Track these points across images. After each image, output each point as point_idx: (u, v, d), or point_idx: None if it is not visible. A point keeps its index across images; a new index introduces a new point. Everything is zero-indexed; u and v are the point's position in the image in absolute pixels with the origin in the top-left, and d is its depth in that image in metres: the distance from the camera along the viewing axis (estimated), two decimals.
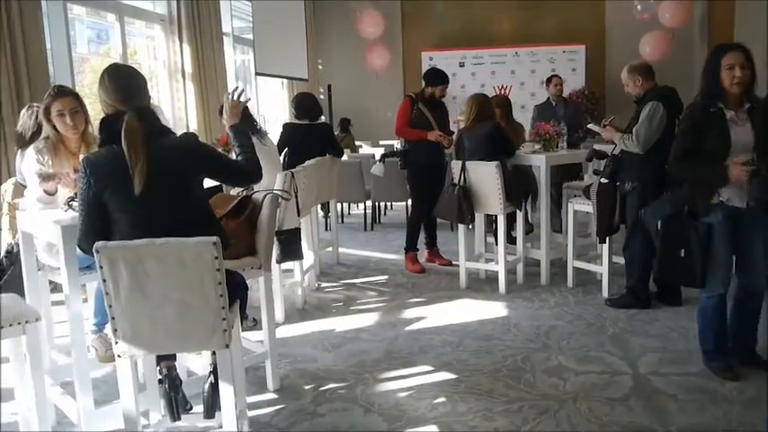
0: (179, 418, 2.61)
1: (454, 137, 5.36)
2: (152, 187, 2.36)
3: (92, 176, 2.37)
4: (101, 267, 2.19)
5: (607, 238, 4.36)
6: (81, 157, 3.02)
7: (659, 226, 3.21)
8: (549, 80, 6.89)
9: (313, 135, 5.39)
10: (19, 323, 2.40)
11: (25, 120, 3.67)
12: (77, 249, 2.58)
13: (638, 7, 10.16)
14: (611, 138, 4.26)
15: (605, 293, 4.56)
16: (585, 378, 3.29)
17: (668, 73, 8.74)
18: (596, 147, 4.76)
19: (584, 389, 3.17)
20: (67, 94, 3.22)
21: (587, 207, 4.51)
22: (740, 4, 8.77)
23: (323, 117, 10.18)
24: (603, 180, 4.19)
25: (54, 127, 3.19)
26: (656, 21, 9.84)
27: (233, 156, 2.79)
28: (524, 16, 11.17)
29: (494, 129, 4.87)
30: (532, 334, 3.93)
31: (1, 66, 4.81)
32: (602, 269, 4.60)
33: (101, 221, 2.41)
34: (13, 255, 3.19)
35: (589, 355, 3.58)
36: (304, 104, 5.56)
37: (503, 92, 11.14)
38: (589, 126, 4.79)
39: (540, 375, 3.34)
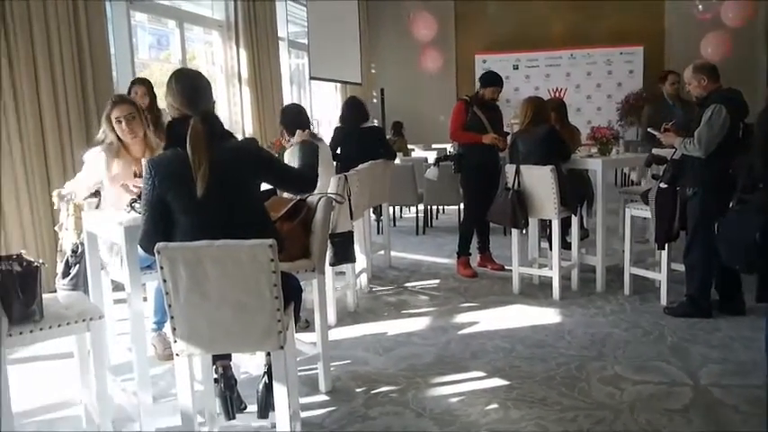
0: (233, 417, 2.66)
1: (509, 139, 5.31)
2: (213, 190, 2.41)
3: (156, 177, 2.43)
4: (161, 268, 2.25)
5: (666, 245, 4.24)
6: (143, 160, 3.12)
7: (758, 238, 3.01)
8: (663, 77, 6.27)
9: (364, 138, 5.44)
10: (84, 320, 2.49)
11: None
12: (138, 249, 2.67)
13: (700, 7, 9.85)
14: (671, 142, 4.14)
15: (664, 301, 4.44)
16: (643, 388, 3.21)
17: (730, 74, 8.49)
18: (655, 151, 4.63)
19: (641, 399, 3.09)
20: (124, 102, 3.36)
21: (645, 213, 4.40)
22: None
23: (375, 121, 10.26)
24: (663, 185, 4.08)
25: (116, 133, 3.32)
26: (718, 20, 9.55)
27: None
28: (580, 17, 10.99)
29: (549, 132, 4.80)
30: (587, 341, 3.85)
31: (67, 71, 5.00)
32: (661, 276, 4.48)
33: (163, 222, 2.48)
34: (77, 254, 3.31)
35: (647, 364, 3.49)
36: (347, 110, 5.72)
37: (557, 95, 11.00)
38: (648, 130, 4.67)
39: (596, 384, 3.26)
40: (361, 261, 4.83)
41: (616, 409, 2.99)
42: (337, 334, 4.08)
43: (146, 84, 4.74)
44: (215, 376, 2.70)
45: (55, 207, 3.58)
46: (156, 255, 2.24)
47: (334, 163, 5.26)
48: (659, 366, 3.46)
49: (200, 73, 2.74)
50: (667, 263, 4.38)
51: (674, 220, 4.05)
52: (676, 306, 4.25)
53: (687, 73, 4.11)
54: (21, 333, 2.35)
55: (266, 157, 2.71)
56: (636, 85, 11.02)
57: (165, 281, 2.27)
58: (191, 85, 2.60)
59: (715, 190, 3.84)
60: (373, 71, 11.99)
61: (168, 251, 2.24)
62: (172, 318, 2.31)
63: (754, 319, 3.96)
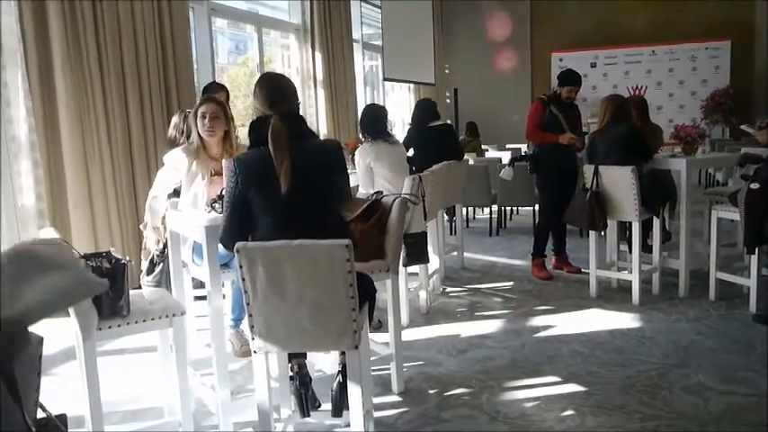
0: (308, 415, 2.70)
1: (587, 139, 5.17)
2: (295, 188, 2.46)
3: (240, 175, 2.50)
4: (240, 267, 2.30)
5: (757, 249, 4.03)
6: (223, 161, 3.21)
7: None
8: None
9: (434, 136, 5.44)
10: (167, 316, 2.58)
11: (176, 123, 3.96)
12: (218, 248, 2.75)
13: None
14: (765, 140, 3.93)
15: (752, 308, 4.22)
16: (730, 399, 3.06)
17: None
18: (745, 150, 4.41)
19: (728, 411, 2.94)
20: (213, 101, 3.46)
21: (733, 215, 4.20)
22: None
23: (448, 120, 10.21)
24: (754, 185, 3.87)
25: (198, 131, 3.43)
26: None
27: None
28: (662, 11, 10.59)
29: (630, 131, 4.64)
30: (669, 349, 3.71)
31: (152, 75, 5.22)
32: (750, 282, 4.26)
33: (244, 220, 2.54)
34: (163, 254, 3.44)
35: (734, 374, 3.32)
36: (417, 110, 5.76)
37: (637, 92, 10.66)
38: (742, 127, 4.45)
39: (679, 393, 3.13)
40: (434, 262, 4.82)
41: (701, 421, 2.86)
42: (410, 335, 4.08)
43: (224, 90, 4.89)
44: (290, 374, 2.75)
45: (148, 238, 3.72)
46: (236, 254, 2.30)
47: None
48: (747, 377, 3.29)
49: (284, 75, 2.81)
50: (758, 268, 4.16)
51: (766, 223, 3.84)
52: (766, 314, 4.02)
53: None
54: (110, 327, 2.46)
55: (340, 162, 2.73)
56: (723, 81, 10.53)
57: (243, 279, 2.32)
58: (272, 85, 2.67)
59: None
60: (447, 72, 11.94)
61: (247, 251, 2.29)
62: (250, 316, 2.36)
63: None
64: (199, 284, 3.55)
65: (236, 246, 2.29)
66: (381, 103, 10.27)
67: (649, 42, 10.88)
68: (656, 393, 3.14)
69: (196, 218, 2.95)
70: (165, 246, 3.39)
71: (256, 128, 2.57)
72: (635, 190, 4.37)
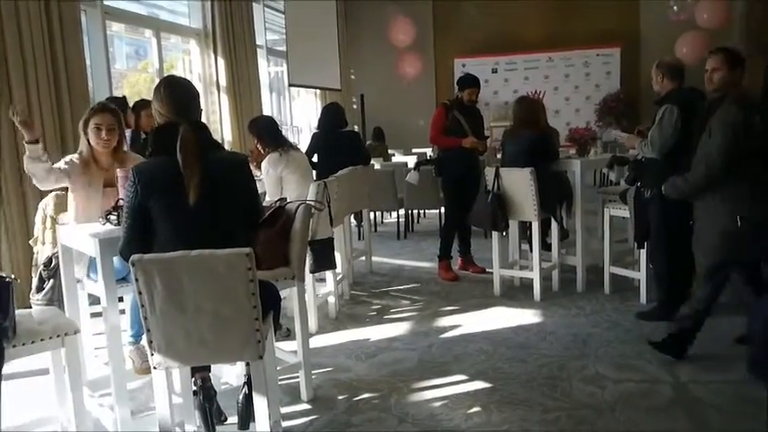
0: (213, 430, 2.63)
1: (494, 142, 5.32)
2: (204, 200, 2.39)
3: (139, 185, 2.41)
4: (136, 279, 2.22)
5: (645, 243, 4.26)
6: (118, 171, 3.10)
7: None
8: None
9: (342, 143, 5.46)
10: (58, 335, 2.46)
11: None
12: (114, 261, 2.64)
13: (674, 8, 9.94)
14: (632, 145, 4.17)
15: (644, 300, 4.47)
16: (624, 387, 3.22)
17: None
18: (613, 153, 4.68)
19: (622, 398, 3.10)
20: (108, 111, 3.32)
21: (623, 212, 4.43)
22: None
23: (356, 126, 10.26)
24: (627, 185, 4.12)
25: (88, 142, 3.29)
26: (693, 21, 9.64)
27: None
28: (557, 19, 11.06)
29: (538, 134, 4.81)
30: (569, 342, 3.87)
31: (41, 82, 4.93)
32: (640, 275, 4.51)
33: (144, 231, 2.45)
34: (51, 268, 3.27)
35: (628, 363, 3.51)
36: (324, 116, 5.76)
37: (536, 97, 11.06)
38: (613, 132, 4.72)
39: (577, 384, 3.27)
40: (342, 267, 4.82)
41: (598, 409, 3.00)
42: (319, 341, 4.06)
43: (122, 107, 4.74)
44: (194, 388, 2.67)
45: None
46: (131, 267, 2.22)
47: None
48: (640, 365, 3.48)
49: (189, 81, 2.73)
50: (646, 262, 4.42)
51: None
52: (648, 311, 4.22)
53: (652, 70, 4.13)
54: None
55: (249, 175, 2.69)
56: (614, 86, 11.11)
57: (140, 293, 2.24)
58: (181, 92, 2.58)
59: None
60: (353, 77, 11.99)
61: (143, 263, 2.22)
62: (148, 330, 2.29)
63: (730, 316, 3.99)
64: (96, 300, 3.39)
65: (130, 258, 2.21)
66: (287, 110, 10.23)
67: (546, 49, 11.33)
68: (556, 385, 3.27)
69: (89, 231, 2.82)
70: (52, 260, 3.22)
71: (162, 135, 2.49)
72: (533, 191, 4.53)
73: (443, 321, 4.39)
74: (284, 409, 3.09)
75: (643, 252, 4.39)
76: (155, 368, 2.34)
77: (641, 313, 4.26)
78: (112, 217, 2.83)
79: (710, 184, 3.31)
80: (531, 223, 4.75)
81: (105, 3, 6.09)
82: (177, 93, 2.56)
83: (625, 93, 10.87)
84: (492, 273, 4.98)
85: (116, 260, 2.78)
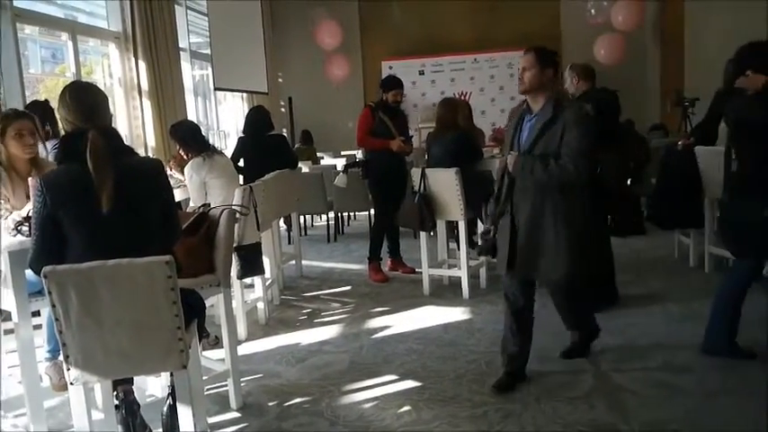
0: None
1: (423, 143, 5.37)
2: (117, 207, 2.32)
3: (48, 194, 2.30)
4: (50, 293, 2.14)
5: None
6: (30, 180, 2.97)
7: None
8: None
9: (268, 147, 5.41)
10: None
11: None
12: (27, 274, 2.53)
13: (592, 10, 10.28)
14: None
15: None
16: (548, 379, 3.32)
17: (623, 77, 8.91)
18: None
19: (546, 389, 3.20)
20: (25, 117, 3.21)
21: None
22: (689, 5, 8.95)
23: (284, 130, 10.17)
24: None
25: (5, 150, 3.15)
26: (610, 24, 9.99)
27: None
28: (481, 22, 11.25)
29: (461, 135, 4.89)
30: (496, 338, 3.92)
31: None
32: None
33: (55, 242, 2.35)
34: None
35: (551, 355, 3.61)
36: (249, 120, 5.70)
37: (463, 98, 11.24)
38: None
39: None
40: (271, 272, 4.78)
41: (524, 402, 3.08)
42: (249, 348, 4.01)
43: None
44: (116, 402, 2.59)
45: None
46: (44, 279, 2.13)
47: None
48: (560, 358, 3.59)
49: (96, 85, 2.64)
50: None
51: None
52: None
53: (566, 72, 4.31)
54: None
55: (165, 180, 2.61)
56: None
57: (54, 306, 2.16)
58: (86, 97, 2.49)
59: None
60: (280, 80, 11.89)
61: (56, 274, 2.14)
62: (64, 345, 2.20)
63: (646, 306, 4.17)
64: (9, 316, 3.24)
65: (42, 270, 2.12)
66: (214, 114, 10.05)
67: (472, 51, 11.51)
68: (484, 381, 3.34)
69: None
70: None
71: (70, 142, 2.40)
72: (459, 191, 4.61)
73: (374, 323, 4.41)
74: (213, 419, 3.05)
75: None
76: (71, 384, 2.26)
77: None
78: (24, 228, 2.72)
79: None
80: (458, 222, 4.82)
81: (16, 5, 5.83)
82: (83, 98, 2.47)
83: None
84: (421, 272, 5.04)
85: (30, 272, 2.67)
